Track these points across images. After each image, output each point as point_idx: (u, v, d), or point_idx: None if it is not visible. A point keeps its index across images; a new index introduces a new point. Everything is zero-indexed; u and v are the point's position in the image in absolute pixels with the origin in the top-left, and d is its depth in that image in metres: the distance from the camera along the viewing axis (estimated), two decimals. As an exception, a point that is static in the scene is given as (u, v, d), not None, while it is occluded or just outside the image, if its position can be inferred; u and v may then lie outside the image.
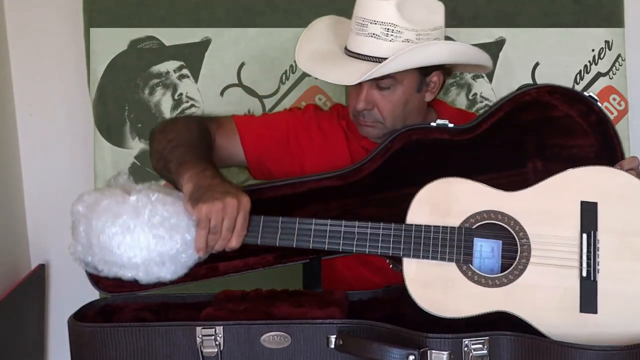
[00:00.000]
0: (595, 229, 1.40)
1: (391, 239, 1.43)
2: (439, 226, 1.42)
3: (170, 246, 1.35)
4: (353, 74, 1.58)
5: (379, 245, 1.43)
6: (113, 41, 2.21)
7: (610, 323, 1.36)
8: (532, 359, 1.29)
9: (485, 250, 1.42)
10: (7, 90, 2.35)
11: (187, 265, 1.38)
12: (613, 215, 1.40)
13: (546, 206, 1.42)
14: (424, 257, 1.41)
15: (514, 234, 1.41)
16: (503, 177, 1.57)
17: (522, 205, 1.42)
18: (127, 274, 1.37)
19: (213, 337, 1.35)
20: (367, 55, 1.59)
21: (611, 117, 2.23)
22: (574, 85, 2.25)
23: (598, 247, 1.39)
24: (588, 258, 1.39)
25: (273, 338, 1.36)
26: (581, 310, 1.36)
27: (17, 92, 2.38)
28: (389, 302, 1.52)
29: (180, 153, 1.49)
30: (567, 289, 1.37)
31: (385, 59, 1.57)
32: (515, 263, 1.40)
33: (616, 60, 2.25)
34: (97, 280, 1.51)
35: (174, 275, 1.38)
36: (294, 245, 1.44)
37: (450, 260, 1.41)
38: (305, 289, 1.66)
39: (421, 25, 1.59)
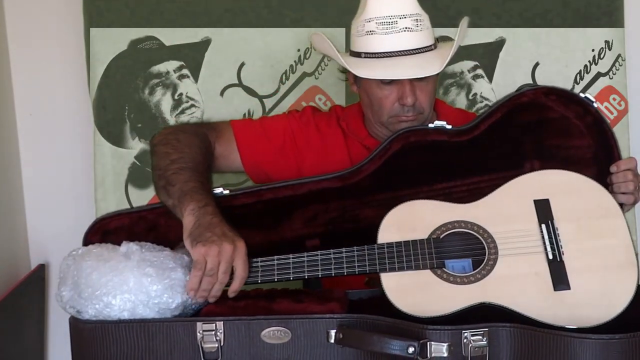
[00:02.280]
0: (552, 219, 1.47)
1: (366, 259, 1.46)
2: (408, 241, 1.47)
3: (157, 283, 1.39)
4: (423, 67, 1.60)
5: (356, 265, 1.47)
6: (113, 41, 2.21)
7: (586, 296, 1.39)
8: (531, 349, 1.30)
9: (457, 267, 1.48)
10: (7, 90, 2.35)
11: (169, 307, 1.40)
12: (564, 206, 1.48)
13: (503, 210, 1.50)
14: (399, 270, 1.44)
15: (479, 236, 1.46)
16: (501, 178, 1.57)
17: (481, 212, 1.50)
18: (113, 313, 1.39)
19: (213, 333, 1.36)
20: (409, 50, 1.60)
21: (611, 117, 2.24)
22: (574, 86, 2.25)
23: (558, 234, 1.45)
24: (551, 243, 1.44)
25: (273, 333, 1.36)
26: (555, 289, 1.40)
27: (17, 92, 2.37)
28: (388, 301, 1.52)
29: (183, 178, 1.51)
30: (538, 274, 1.42)
31: (423, 48, 1.61)
32: (486, 260, 1.43)
33: (616, 60, 2.24)
34: None
35: (157, 315, 1.40)
36: (275, 280, 1.48)
37: (424, 267, 1.44)
38: (305, 288, 1.67)
39: (423, 11, 1.64)
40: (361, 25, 1.64)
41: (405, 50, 1.60)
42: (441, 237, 1.47)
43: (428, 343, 1.29)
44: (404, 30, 1.60)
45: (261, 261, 1.48)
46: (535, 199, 1.50)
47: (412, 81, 1.62)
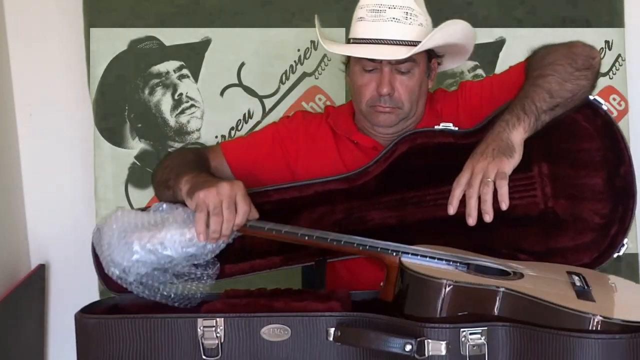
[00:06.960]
0: (583, 276, 1.45)
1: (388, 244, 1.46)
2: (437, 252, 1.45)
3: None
4: (393, 53, 1.58)
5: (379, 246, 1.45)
6: (113, 41, 2.22)
7: (610, 306, 1.36)
8: (530, 348, 1.28)
9: None
10: (7, 90, 2.35)
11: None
12: (595, 279, 1.45)
13: (535, 271, 1.46)
14: (421, 258, 1.42)
15: (508, 269, 1.43)
16: (509, 180, 1.56)
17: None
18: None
19: (214, 329, 1.36)
20: (392, 40, 1.60)
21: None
22: (574, 86, 2.25)
23: (588, 283, 1.42)
24: (579, 280, 1.42)
25: (273, 331, 1.36)
26: (578, 299, 1.34)
27: (17, 92, 2.38)
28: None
29: (177, 170, 1.56)
30: (562, 292, 1.37)
31: (408, 41, 1.59)
32: (511, 275, 1.41)
33: (616, 60, 2.25)
34: (105, 279, 1.53)
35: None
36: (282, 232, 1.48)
37: (447, 263, 1.42)
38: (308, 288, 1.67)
39: (424, 11, 1.64)
40: (355, 12, 1.65)
41: (387, 40, 1.60)
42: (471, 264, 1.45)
43: (426, 341, 1.28)
44: (391, 20, 1.59)
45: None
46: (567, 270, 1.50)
47: (392, 72, 1.62)
